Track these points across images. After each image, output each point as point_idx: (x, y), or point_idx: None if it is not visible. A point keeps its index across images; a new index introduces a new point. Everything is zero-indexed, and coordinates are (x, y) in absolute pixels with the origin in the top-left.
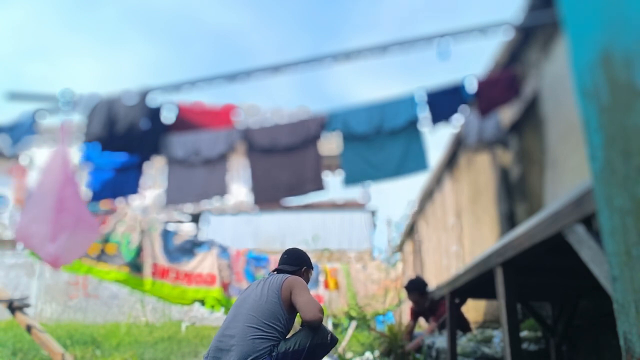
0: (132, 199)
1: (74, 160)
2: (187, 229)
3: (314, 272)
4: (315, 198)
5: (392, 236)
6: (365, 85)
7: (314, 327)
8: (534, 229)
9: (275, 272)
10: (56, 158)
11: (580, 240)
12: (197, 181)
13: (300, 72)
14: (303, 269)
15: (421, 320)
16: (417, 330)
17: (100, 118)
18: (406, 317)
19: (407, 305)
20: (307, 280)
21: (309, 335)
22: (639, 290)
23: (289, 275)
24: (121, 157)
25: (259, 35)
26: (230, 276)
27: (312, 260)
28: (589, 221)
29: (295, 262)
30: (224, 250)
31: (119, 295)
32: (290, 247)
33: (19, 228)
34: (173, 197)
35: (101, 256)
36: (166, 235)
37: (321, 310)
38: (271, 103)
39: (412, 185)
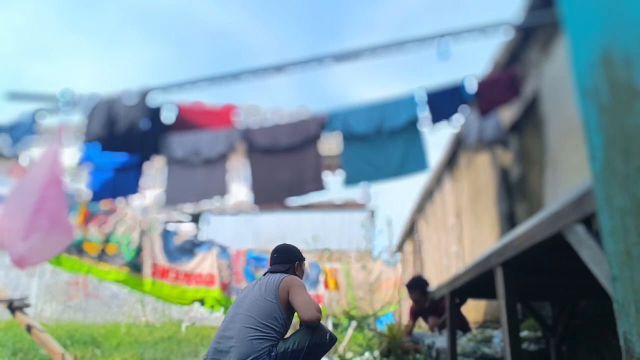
0: (132, 199)
1: (65, 161)
2: (187, 229)
3: (314, 272)
4: (315, 198)
5: (380, 233)
6: (365, 85)
7: (312, 326)
8: (534, 229)
9: (270, 273)
10: (47, 157)
11: (580, 240)
12: (197, 181)
13: (300, 72)
14: (295, 264)
15: (421, 321)
16: (416, 330)
17: (100, 118)
18: (406, 317)
19: (407, 305)
20: (302, 273)
21: (308, 335)
22: (639, 290)
23: (285, 275)
24: (121, 157)
25: (259, 35)
26: (230, 276)
27: (313, 260)
28: (589, 221)
29: (287, 260)
30: (223, 250)
31: (119, 295)
32: (278, 244)
33: None
34: (173, 197)
35: (102, 256)
36: (166, 235)
37: (319, 310)
38: (271, 103)
39: (412, 185)
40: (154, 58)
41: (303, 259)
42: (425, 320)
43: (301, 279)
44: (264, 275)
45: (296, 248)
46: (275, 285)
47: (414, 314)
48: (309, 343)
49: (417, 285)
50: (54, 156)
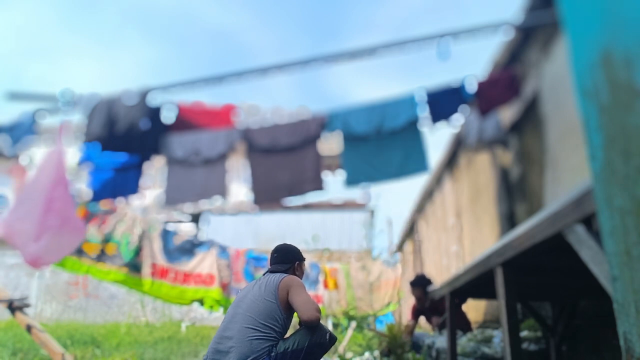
0: (132, 199)
1: (69, 161)
2: (187, 229)
3: (314, 272)
4: (315, 198)
5: (383, 234)
6: (365, 85)
7: (312, 326)
8: (534, 229)
9: (269, 273)
10: (51, 158)
11: (580, 240)
12: (197, 181)
13: (300, 72)
14: (296, 264)
15: (421, 320)
16: (417, 331)
17: (100, 118)
18: (406, 317)
19: (409, 304)
20: (302, 273)
21: (308, 335)
22: (639, 290)
23: (285, 275)
24: (121, 157)
25: (259, 35)
26: (230, 276)
27: (313, 260)
28: (589, 221)
29: (287, 259)
30: (223, 250)
31: (118, 295)
32: (278, 244)
33: (4, 225)
34: (173, 197)
35: (101, 256)
36: (166, 235)
37: (318, 310)
38: (271, 103)
39: (412, 185)
40: (154, 58)
41: (303, 259)
42: (428, 320)
43: (301, 279)
44: (264, 275)
45: (296, 248)
46: (275, 285)
47: (416, 313)
48: (308, 343)
49: (419, 283)
50: (58, 157)
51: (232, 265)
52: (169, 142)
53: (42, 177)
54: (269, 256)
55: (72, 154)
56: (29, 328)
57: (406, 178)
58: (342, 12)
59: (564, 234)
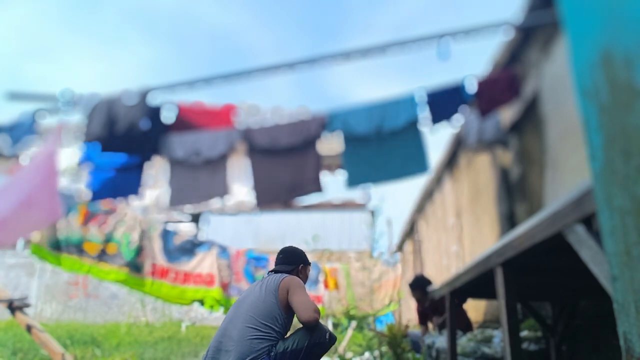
0: (133, 199)
1: (64, 159)
2: (187, 229)
3: (314, 272)
4: (315, 198)
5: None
6: (365, 85)
7: (310, 327)
8: (534, 229)
9: (273, 273)
10: (42, 152)
11: (580, 240)
12: (200, 182)
13: (300, 72)
14: (300, 267)
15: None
16: (417, 330)
17: (100, 118)
18: (406, 318)
19: (409, 305)
20: (306, 277)
21: (307, 335)
22: (639, 290)
23: (286, 275)
24: (121, 157)
25: (259, 35)
26: (230, 276)
27: (312, 260)
28: (589, 221)
29: (291, 261)
30: (223, 250)
31: (119, 295)
32: (286, 245)
33: None
34: (177, 198)
35: (102, 256)
36: (166, 235)
37: (317, 311)
38: (271, 103)
39: (412, 185)
40: (154, 58)
41: (308, 263)
42: (430, 320)
43: (304, 282)
44: (267, 274)
45: (302, 252)
46: (276, 285)
47: (421, 316)
48: (308, 343)
49: (418, 285)
50: (49, 153)
51: (233, 265)
52: (169, 142)
53: (28, 169)
54: (272, 256)
55: (72, 154)
56: (29, 328)
57: (407, 179)
58: (342, 13)
59: (564, 234)
